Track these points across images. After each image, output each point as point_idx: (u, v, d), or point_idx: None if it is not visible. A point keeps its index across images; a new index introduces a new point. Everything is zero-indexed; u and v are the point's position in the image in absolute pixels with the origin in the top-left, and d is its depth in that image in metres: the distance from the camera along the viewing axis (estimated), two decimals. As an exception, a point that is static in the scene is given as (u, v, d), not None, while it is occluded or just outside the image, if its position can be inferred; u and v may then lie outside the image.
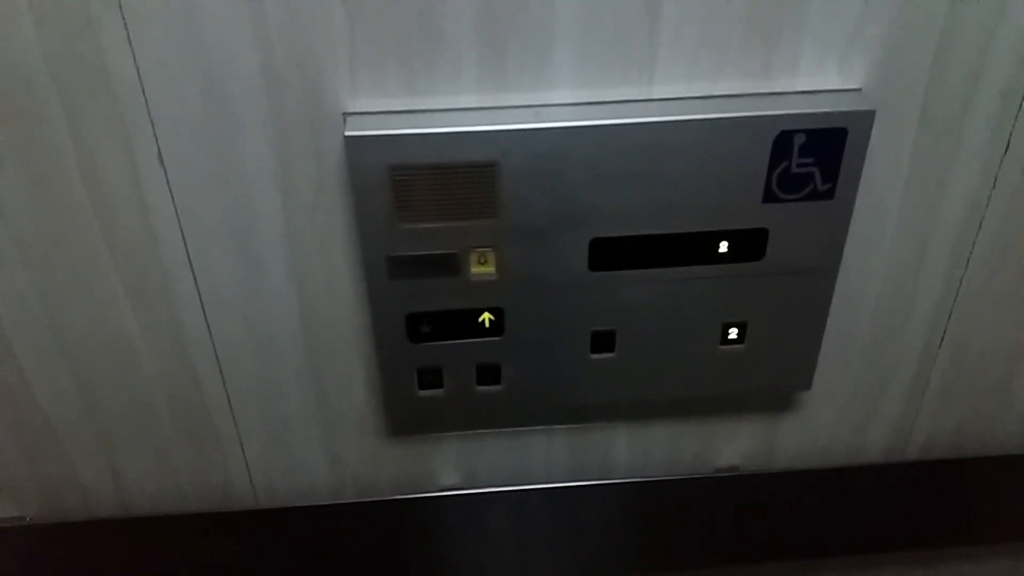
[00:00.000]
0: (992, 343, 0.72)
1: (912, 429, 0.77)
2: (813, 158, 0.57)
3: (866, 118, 0.56)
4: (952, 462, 0.77)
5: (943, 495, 0.79)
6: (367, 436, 0.71)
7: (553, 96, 0.56)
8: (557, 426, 0.73)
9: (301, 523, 0.73)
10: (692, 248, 0.60)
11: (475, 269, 0.60)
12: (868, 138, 0.56)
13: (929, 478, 0.78)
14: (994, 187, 0.63)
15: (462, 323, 0.62)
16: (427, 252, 0.58)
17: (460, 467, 0.74)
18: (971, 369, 0.73)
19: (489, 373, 0.65)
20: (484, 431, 0.72)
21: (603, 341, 0.64)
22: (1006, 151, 0.62)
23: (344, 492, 0.74)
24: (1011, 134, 0.61)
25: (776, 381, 0.68)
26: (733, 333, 0.65)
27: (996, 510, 0.81)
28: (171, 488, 0.73)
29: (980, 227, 0.65)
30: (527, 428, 0.73)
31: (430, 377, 0.64)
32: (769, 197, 0.58)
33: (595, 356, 0.65)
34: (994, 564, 0.89)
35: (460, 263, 0.59)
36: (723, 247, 0.60)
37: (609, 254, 0.60)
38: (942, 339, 0.71)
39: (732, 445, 0.76)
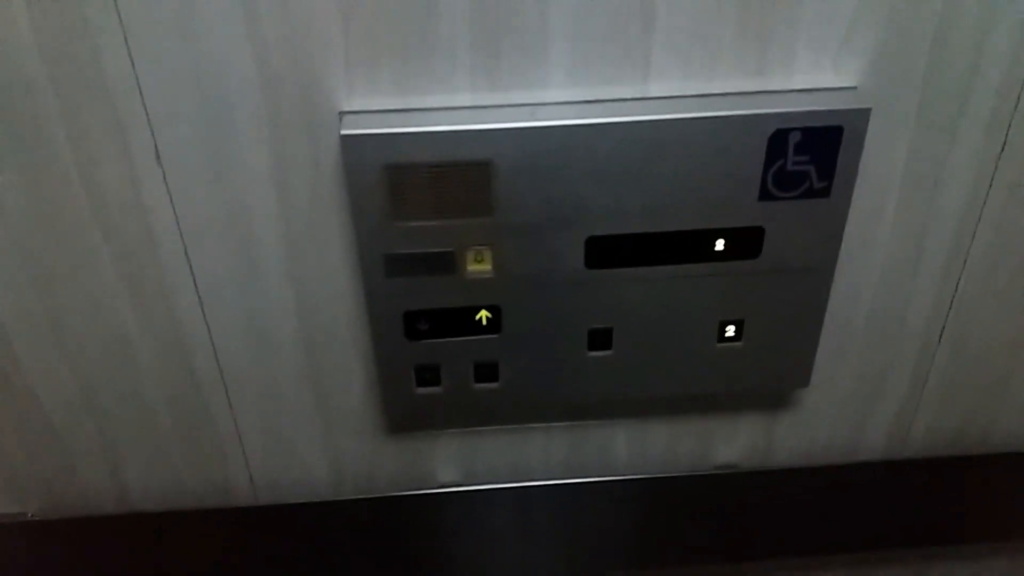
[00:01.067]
0: (991, 340, 0.72)
1: (911, 426, 0.77)
2: (809, 156, 0.57)
3: (862, 116, 0.56)
4: (951, 459, 0.77)
5: (942, 493, 0.79)
6: (366, 433, 0.71)
7: (548, 95, 0.56)
8: (555, 423, 0.73)
9: (300, 519, 0.73)
10: (688, 246, 0.60)
11: (472, 267, 0.60)
12: (864, 136, 0.56)
13: (928, 476, 0.78)
14: (991, 184, 0.63)
15: (459, 321, 0.62)
16: (424, 250, 0.58)
17: (459, 464, 0.74)
18: (970, 366, 0.73)
19: (487, 371, 0.65)
20: (482, 428, 0.73)
21: (600, 339, 0.64)
22: (1003, 148, 0.62)
23: (343, 489, 0.75)
24: (1008, 131, 0.61)
25: (774, 379, 0.68)
26: (730, 331, 0.65)
27: (995, 508, 0.81)
28: (171, 484, 0.73)
29: (978, 224, 0.65)
30: (525, 425, 0.73)
31: (428, 375, 0.65)
32: (765, 195, 0.58)
33: (592, 354, 0.65)
34: (993, 562, 0.89)
35: (456, 261, 0.59)
36: (719, 245, 0.60)
37: (605, 252, 0.60)
38: (940, 336, 0.71)
39: (730, 442, 0.76)
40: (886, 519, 0.80)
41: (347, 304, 0.64)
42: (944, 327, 0.71)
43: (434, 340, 0.63)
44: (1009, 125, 0.60)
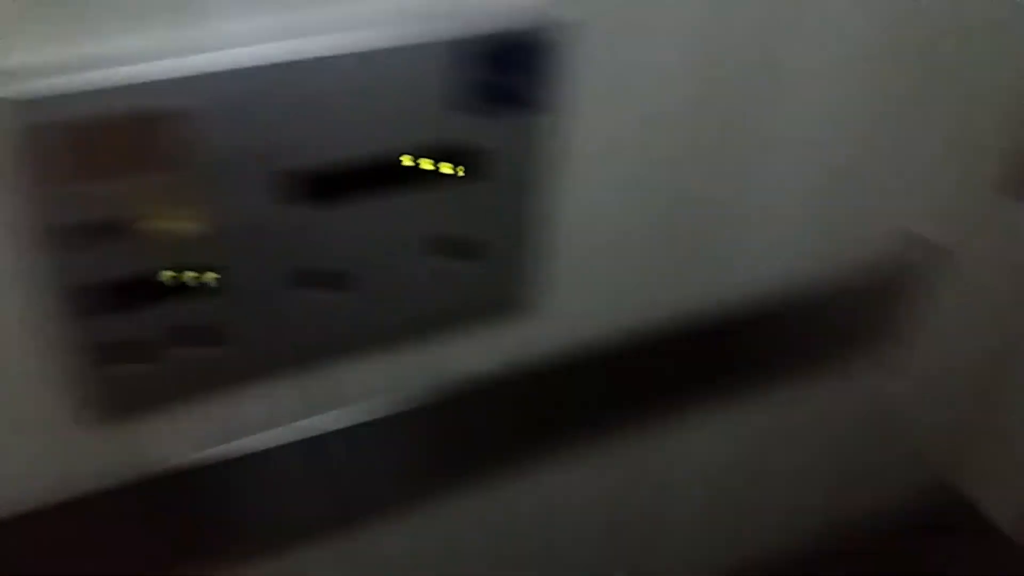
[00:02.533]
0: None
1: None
2: (518, 71, 0.55)
3: (567, 28, 0.55)
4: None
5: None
6: (70, 430, 0.63)
7: (219, 31, 0.50)
8: (292, 373, 0.68)
9: (22, 531, 0.65)
10: (403, 172, 0.57)
11: (167, 226, 0.53)
12: (572, 48, 0.56)
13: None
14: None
15: (160, 287, 0.56)
16: (102, 216, 0.51)
17: (194, 437, 0.68)
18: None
19: (206, 334, 0.59)
20: (214, 394, 0.66)
21: (324, 279, 0.60)
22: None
23: (56, 492, 0.66)
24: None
25: (513, 292, 0.68)
26: (455, 251, 0.63)
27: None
28: None
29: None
30: (260, 382, 0.67)
31: (133, 351, 0.58)
32: (477, 112, 0.56)
33: (317, 295, 0.61)
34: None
35: (146, 223, 0.52)
36: (435, 167, 0.58)
37: (313, 189, 0.56)
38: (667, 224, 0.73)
39: (476, 357, 0.75)
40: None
41: (21, 288, 0.55)
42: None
43: (137, 312, 0.56)
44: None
